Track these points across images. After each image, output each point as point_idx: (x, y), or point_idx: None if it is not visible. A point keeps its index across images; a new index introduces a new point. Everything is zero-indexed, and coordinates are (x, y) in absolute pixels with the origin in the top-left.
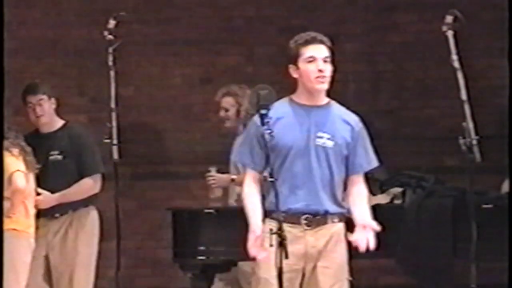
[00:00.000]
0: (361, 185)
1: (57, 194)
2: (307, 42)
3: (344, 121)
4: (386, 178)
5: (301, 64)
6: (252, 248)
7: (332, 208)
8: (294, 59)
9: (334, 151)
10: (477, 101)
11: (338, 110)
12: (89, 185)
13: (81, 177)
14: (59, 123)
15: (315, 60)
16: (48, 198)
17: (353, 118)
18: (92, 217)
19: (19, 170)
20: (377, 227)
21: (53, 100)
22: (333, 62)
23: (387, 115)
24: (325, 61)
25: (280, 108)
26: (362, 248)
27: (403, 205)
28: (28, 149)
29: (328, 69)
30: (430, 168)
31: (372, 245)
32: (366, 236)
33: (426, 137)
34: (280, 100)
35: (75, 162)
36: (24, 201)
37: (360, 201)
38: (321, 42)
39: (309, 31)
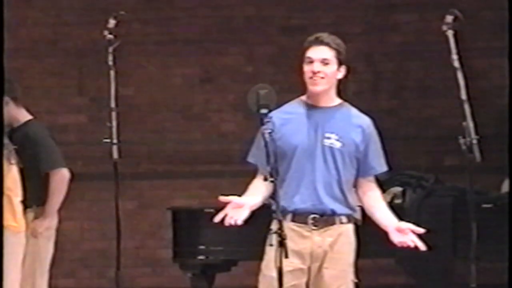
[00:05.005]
0: (375, 188)
1: (46, 210)
2: (310, 43)
3: (354, 123)
4: (386, 177)
5: (304, 65)
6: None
7: (339, 208)
8: (301, 60)
9: (342, 152)
10: (477, 101)
11: (349, 111)
12: (56, 180)
13: (38, 176)
14: (21, 120)
15: (312, 62)
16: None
17: (365, 121)
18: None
19: None
20: (416, 228)
21: (6, 99)
22: (340, 62)
23: (387, 115)
24: (324, 63)
25: (290, 109)
26: (412, 245)
27: (403, 204)
28: (7, 141)
29: (326, 71)
30: (430, 167)
31: (420, 245)
32: (409, 238)
33: (426, 137)
34: (292, 101)
35: (29, 161)
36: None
37: (380, 205)
38: (322, 43)
39: (316, 32)
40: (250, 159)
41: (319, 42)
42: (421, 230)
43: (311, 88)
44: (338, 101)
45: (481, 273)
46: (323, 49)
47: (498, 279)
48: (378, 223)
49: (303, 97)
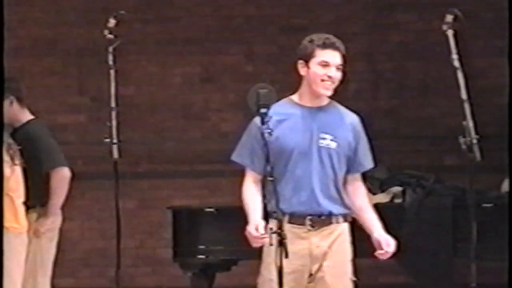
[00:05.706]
0: (362, 186)
1: (48, 209)
2: (325, 46)
3: (345, 122)
4: (386, 177)
5: (313, 65)
6: (254, 240)
7: (335, 209)
8: (307, 57)
9: (337, 152)
10: (477, 101)
11: (339, 110)
12: (57, 180)
13: (40, 176)
14: (22, 120)
15: (329, 66)
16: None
17: (354, 118)
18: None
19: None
20: (393, 247)
21: (11, 98)
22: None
23: (387, 115)
24: (337, 69)
25: (281, 109)
26: (383, 258)
27: (403, 204)
28: (11, 141)
29: (338, 77)
30: (430, 167)
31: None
32: (388, 253)
33: (426, 136)
34: (280, 101)
35: (30, 161)
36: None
37: (368, 208)
38: (337, 49)
39: (316, 32)
40: (236, 158)
41: (335, 47)
42: (393, 249)
43: (321, 91)
44: (327, 100)
45: (481, 273)
46: (338, 55)
47: (498, 279)
48: (362, 224)
49: (293, 97)
